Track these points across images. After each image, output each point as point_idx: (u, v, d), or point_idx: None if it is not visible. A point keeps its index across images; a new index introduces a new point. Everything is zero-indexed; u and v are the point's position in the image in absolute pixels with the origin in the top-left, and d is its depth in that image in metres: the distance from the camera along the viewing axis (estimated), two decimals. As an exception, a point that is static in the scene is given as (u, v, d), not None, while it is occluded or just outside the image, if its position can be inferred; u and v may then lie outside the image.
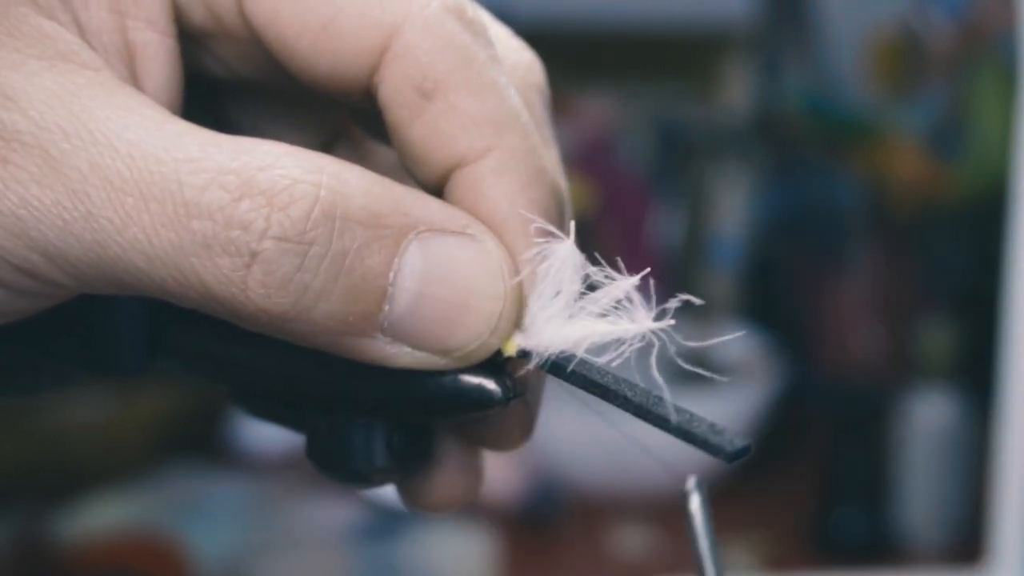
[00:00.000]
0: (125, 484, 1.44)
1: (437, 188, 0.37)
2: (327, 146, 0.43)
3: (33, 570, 1.29)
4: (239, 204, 0.31)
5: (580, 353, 0.34)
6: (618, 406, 0.32)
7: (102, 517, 1.37)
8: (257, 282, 0.32)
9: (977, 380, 1.37)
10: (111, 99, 0.32)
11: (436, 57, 0.35)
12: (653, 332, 0.33)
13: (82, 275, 0.33)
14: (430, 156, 0.36)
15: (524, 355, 0.35)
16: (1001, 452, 1.16)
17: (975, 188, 1.53)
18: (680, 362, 0.34)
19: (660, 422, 0.31)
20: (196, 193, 0.31)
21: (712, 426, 0.31)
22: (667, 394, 0.32)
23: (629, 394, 0.32)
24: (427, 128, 0.36)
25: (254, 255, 0.31)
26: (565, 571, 1.35)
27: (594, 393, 0.33)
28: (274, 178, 0.32)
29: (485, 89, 0.36)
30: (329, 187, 0.32)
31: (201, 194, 0.31)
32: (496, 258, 0.34)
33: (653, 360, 0.32)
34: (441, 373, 0.35)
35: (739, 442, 0.30)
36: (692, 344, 0.34)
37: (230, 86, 0.40)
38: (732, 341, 1.47)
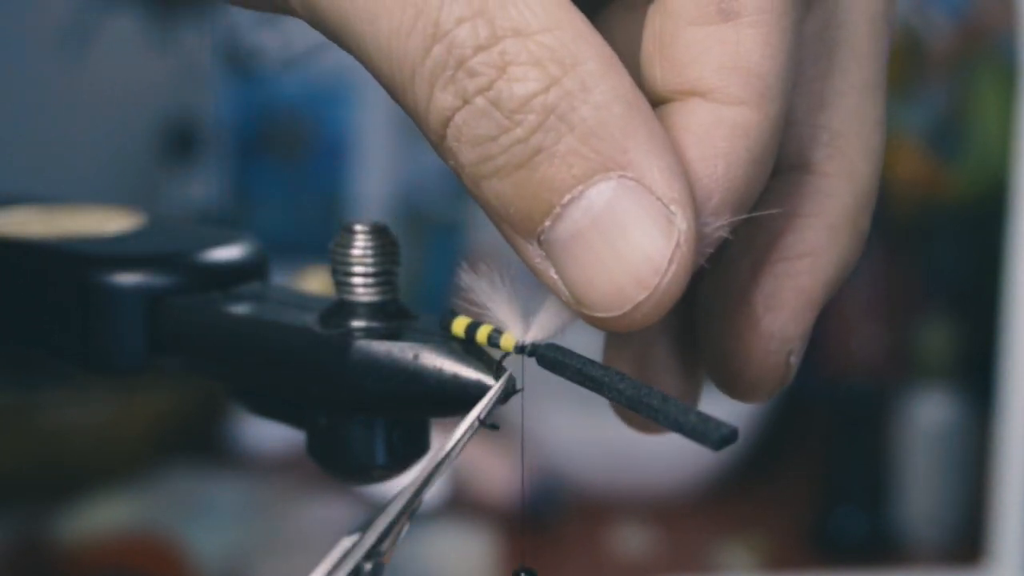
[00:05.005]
0: (125, 484, 1.44)
1: (662, 95, 0.34)
2: None
3: (33, 570, 1.29)
4: (477, 55, 0.31)
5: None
6: (611, 398, 0.33)
7: (102, 517, 1.37)
8: (454, 126, 0.31)
9: (977, 380, 1.37)
10: None
11: None
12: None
13: None
14: (684, 69, 0.33)
15: (521, 350, 0.35)
16: (1001, 452, 1.16)
17: (975, 188, 1.53)
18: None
19: (651, 412, 0.32)
20: (451, 24, 0.31)
21: (699, 414, 0.31)
22: (656, 386, 0.32)
23: (621, 386, 0.33)
24: (700, 42, 0.33)
25: (465, 103, 0.31)
26: (565, 571, 1.35)
27: (588, 386, 0.33)
28: (524, 46, 0.31)
29: (775, 41, 0.33)
30: (568, 91, 0.31)
31: (456, 25, 0.31)
32: (679, 252, 0.31)
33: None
34: (440, 370, 0.35)
35: (725, 429, 0.31)
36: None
37: None
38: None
